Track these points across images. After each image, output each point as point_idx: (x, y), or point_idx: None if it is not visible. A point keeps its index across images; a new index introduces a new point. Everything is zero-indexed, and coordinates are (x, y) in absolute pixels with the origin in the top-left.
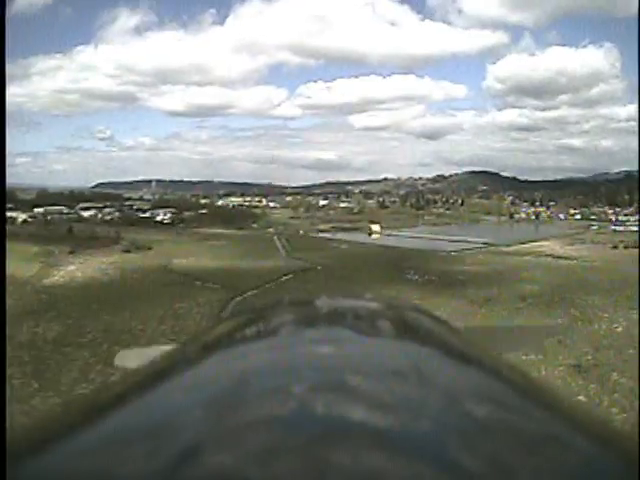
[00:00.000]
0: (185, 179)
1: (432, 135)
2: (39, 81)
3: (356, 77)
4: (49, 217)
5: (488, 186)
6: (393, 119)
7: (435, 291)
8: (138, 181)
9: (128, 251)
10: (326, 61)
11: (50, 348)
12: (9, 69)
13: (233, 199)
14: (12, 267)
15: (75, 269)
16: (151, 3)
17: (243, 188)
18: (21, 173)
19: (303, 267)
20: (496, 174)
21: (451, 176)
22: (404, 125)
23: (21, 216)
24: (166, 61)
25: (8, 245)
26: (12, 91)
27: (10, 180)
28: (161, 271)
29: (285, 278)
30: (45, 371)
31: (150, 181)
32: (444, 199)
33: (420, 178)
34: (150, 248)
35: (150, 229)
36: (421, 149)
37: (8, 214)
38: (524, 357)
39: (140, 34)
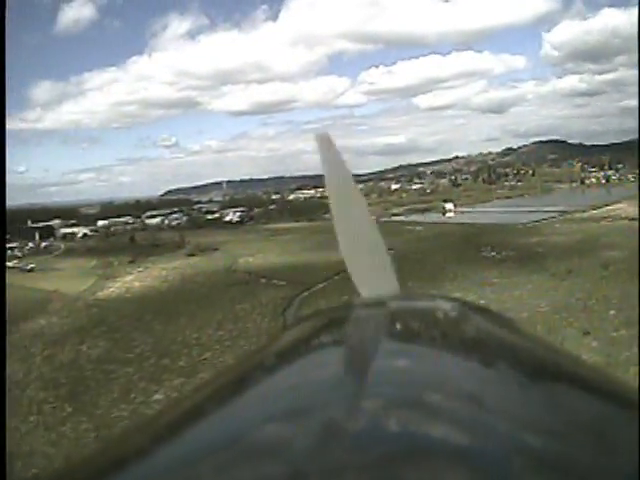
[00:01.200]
0: (255, 177)
1: (497, 109)
2: (95, 96)
3: (416, 58)
4: (112, 229)
5: (557, 154)
6: (457, 96)
7: (513, 267)
8: (208, 184)
9: (192, 254)
10: (385, 45)
11: (92, 367)
12: (63, 88)
13: (305, 192)
14: (64, 283)
15: (132, 279)
16: (200, 6)
17: (315, 181)
18: (86, 189)
19: None
20: (563, 142)
21: (520, 148)
22: (469, 102)
23: (82, 231)
24: (223, 62)
25: (65, 261)
26: (67, 109)
27: (74, 197)
28: (225, 272)
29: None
30: (82, 393)
31: (220, 183)
32: (515, 171)
33: (490, 153)
34: (216, 249)
35: (218, 230)
36: (488, 124)
37: (69, 230)
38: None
39: (193, 38)
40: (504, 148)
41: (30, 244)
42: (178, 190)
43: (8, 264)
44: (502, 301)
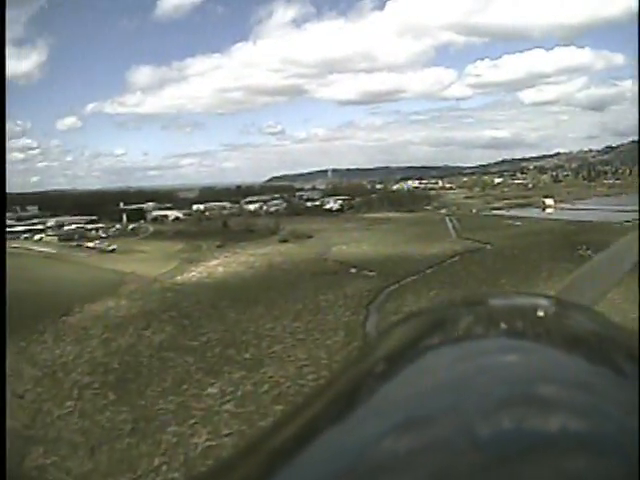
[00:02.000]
0: (362, 167)
1: (597, 106)
2: (198, 82)
3: (521, 52)
4: (207, 213)
5: None
6: (560, 92)
7: None
8: (313, 172)
9: (286, 241)
10: (490, 38)
11: (149, 354)
12: (165, 73)
13: (409, 183)
14: (144, 265)
15: (217, 264)
16: None
17: (420, 172)
18: (188, 174)
19: (471, 248)
20: None
21: (619, 147)
22: (571, 98)
23: (174, 214)
24: (330, 51)
25: (150, 244)
26: (169, 94)
27: (175, 181)
28: (315, 260)
29: (450, 261)
30: (131, 381)
31: (326, 171)
32: (613, 170)
33: (590, 150)
34: (310, 236)
35: (317, 217)
36: (588, 121)
37: (161, 213)
38: None
39: (299, 26)
40: (604, 146)
41: (117, 226)
42: (283, 177)
43: (89, 244)
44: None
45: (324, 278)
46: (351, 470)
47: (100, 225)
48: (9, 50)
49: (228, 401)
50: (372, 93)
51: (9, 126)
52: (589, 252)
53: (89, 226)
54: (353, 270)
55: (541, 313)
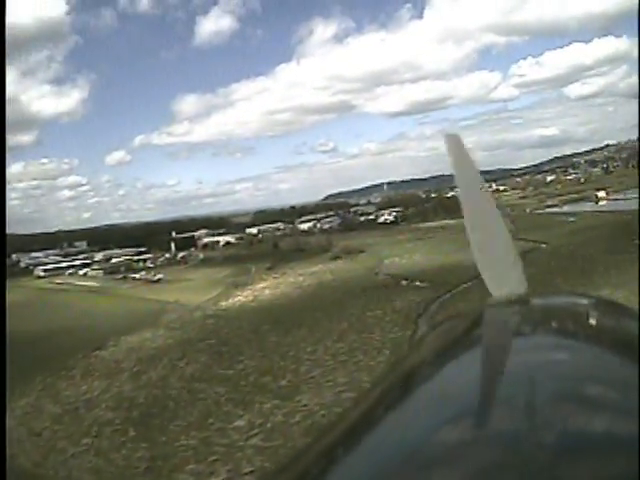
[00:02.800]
0: (416, 177)
1: None
2: (245, 106)
3: (561, 47)
4: (260, 236)
5: None
6: (603, 84)
7: None
8: (369, 187)
9: (337, 257)
10: (530, 36)
11: (180, 386)
12: (210, 100)
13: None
14: (188, 294)
15: (264, 286)
16: (344, 9)
17: None
18: (243, 198)
19: (526, 248)
20: None
21: None
22: (614, 88)
23: (225, 239)
24: (374, 63)
25: (198, 271)
26: (217, 120)
27: (231, 207)
28: (365, 275)
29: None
30: (155, 416)
31: (381, 185)
32: None
33: (638, 139)
34: (362, 251)
35: (371, 231)
36: (632, 110)
37: (212, 239)
38: None
39: (341, 41)
40: None
41: (167, 255)
42: (339, 194)
43: (134, 275)
44: None
45: (374, 293)
46: (409, 460)
47: (148, 256)
48: (49, 89)
49: (255, 435)
50: (420, 103)
51: (56, 165)
52: None
53: (136, 257)
54: (404, 282)
55: (580, 311)
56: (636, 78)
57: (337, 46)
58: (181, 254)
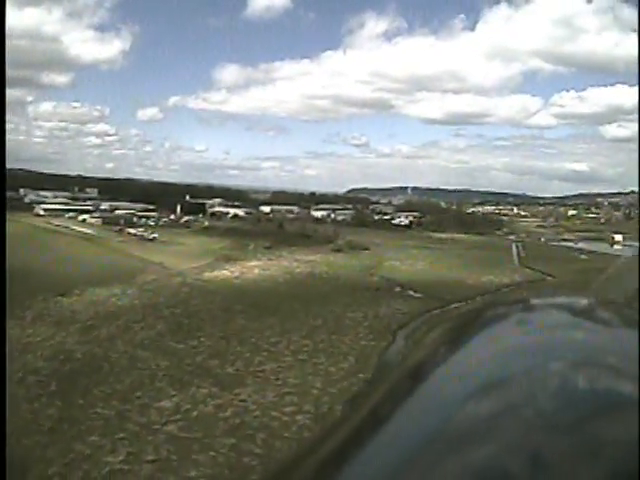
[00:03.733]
0: (442, 187)
1: None
2: (285, 86)
3: (605, 86)
4: (271, 215)
5: None
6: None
7: None
8: (394, 188)
9: (339, 250)
10: (577, 69)
11: (123, 350)
12: (251, 73)
13: (487, 207)
14: (177, 258)
15: (256, 265)
16: (398, 8)
17: (498, 197)
18: (268, 177)
19: (531, 278)
20: None
21: None
22: None
23: (234, 211)
24: (419, 67)
25: (196, 238)
26: (254, 95)
27: (254, 183)
28: (361, 273)
29: (504, 290)
30: (85, 375)
31: (406, 188)
32: None
33: None
34: (367, 249)
35: (382, 231)
36: None
37: (221, 209)
38: None
39: (389, 40)
40: None
41: (172, 216)
42: (363, 190)
43: (131, 230)
44: None
45: (362, 294)
46: (433, 436)
47: (152, 214)
48: (92, 34)
49: (175, 421)
50: (458, 114)
51: (87, 110)
52: None
53: (140, 213)
54: (398, 289)
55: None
56: None
57: (385, 44)
58: (186, 218)
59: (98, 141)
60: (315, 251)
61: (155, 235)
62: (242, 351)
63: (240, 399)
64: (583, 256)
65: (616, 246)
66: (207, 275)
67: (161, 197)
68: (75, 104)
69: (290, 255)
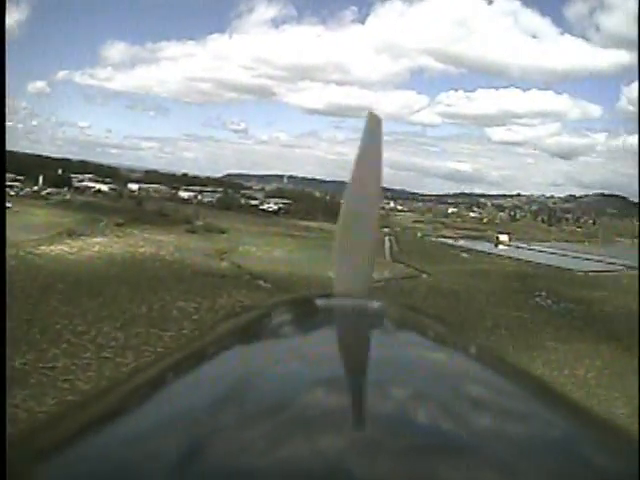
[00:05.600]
0: (318, 177)
1: (566, 155)
2: (169, 67)
3: (496, 89)
4: (135, 193)
5: (617, 210)
6: (530, 135)
7: (575, 327)
8: (270, 175)
9: (193, 232)
10: (468, 70)
11: None
12: (137, 52)
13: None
14: (16, 230)
15: (99, 242)
16: None
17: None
18: (148, 157)
19: (403, 274)
20: (624, 198)
21: (581, 197)
22: (540, 142)
23: (98, 186)
24: (305, 57)
25: (50, 210)
26: (139, 74)
27: (133, 162)
28: (209, 257)
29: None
30: None
31: (282, 176)
32: (575, 218)
33: (552, 196)
34: (224, 232)
35: (248, 216)
36: (554, 168)
37: (86, 184)
38: None
39: (277, 27)
40: (567, 194)
41: (35, 188)
42: (239, 176)
43: None
44: (561, 383)
45: (204, 280)
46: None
47: (16, 184)
48: None
49: None
50: (339, 106)
51: None
52: (549, 302)
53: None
54: (247, 277)
55: (362, 313)
56: (565, 138)
57: (272, 30)
58: (49, 190)
59: None
60: (168, 231)
61: (9, 205)
62: (39, 341)
63: (14, 404)
64: (465, 254)
65: (501, 246)
66: (42, 249)
67: (35, 169)
68: None
69: (140, 234)
